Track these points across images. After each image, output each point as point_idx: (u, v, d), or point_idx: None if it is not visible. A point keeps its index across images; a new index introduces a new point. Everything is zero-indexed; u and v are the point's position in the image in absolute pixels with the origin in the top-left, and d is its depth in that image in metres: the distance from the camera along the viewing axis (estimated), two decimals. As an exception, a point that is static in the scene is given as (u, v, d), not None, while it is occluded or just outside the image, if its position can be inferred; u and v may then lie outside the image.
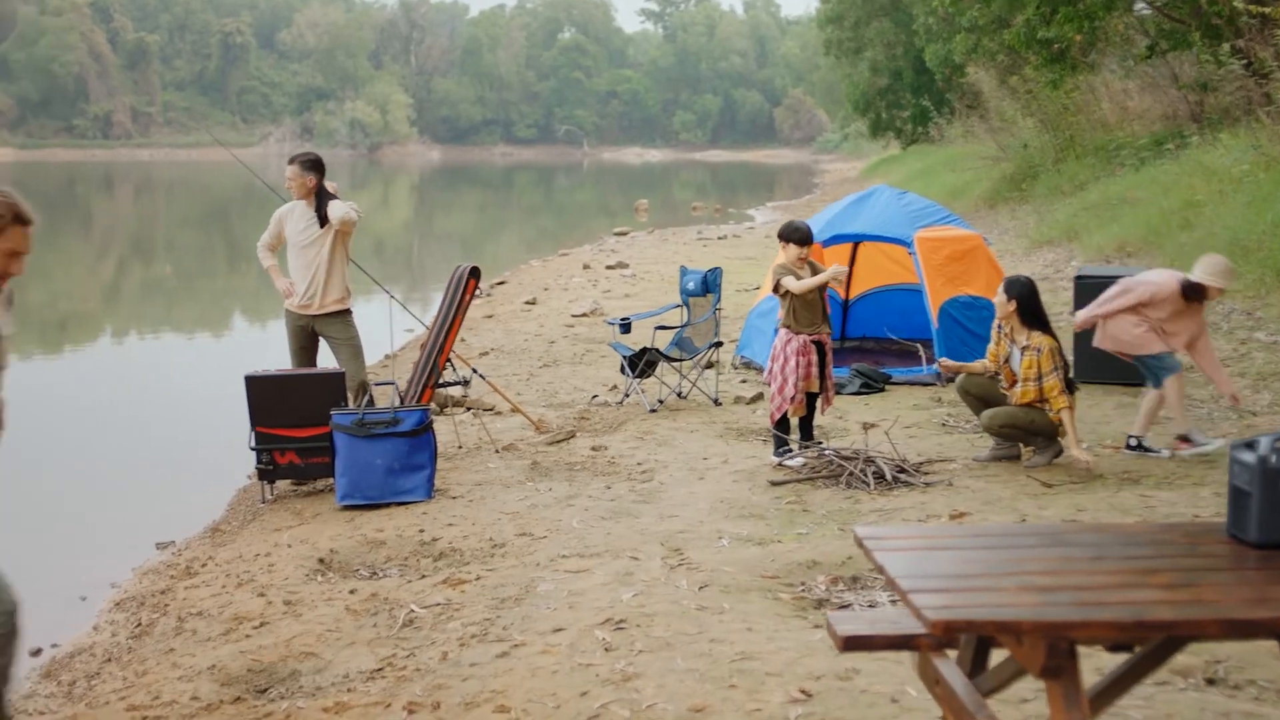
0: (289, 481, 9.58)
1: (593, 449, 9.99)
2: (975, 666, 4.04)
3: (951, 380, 9.75)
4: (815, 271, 9.39)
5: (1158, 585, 3.54)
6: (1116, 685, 3.79)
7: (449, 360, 10.22)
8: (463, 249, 37.04)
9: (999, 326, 9.17)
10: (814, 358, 9.35)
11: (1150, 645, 3.72)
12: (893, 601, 6.26)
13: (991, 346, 9.22)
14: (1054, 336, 8.97)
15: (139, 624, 7.23)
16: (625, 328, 12.17)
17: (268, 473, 9.27)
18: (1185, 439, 9.26)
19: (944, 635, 3.31)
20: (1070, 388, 8.90)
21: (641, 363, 11.48)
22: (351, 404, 9.51)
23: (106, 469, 11.47)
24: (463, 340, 15.86)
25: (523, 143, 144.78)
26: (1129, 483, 8.52)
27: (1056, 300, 15.99)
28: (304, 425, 9.12)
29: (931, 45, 42.57)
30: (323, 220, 9.76)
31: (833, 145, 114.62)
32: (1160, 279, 9.26)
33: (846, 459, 8.89)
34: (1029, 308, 8.98)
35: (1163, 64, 26.57)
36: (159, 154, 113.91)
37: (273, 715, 5.50)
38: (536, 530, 7.90)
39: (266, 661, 6.15)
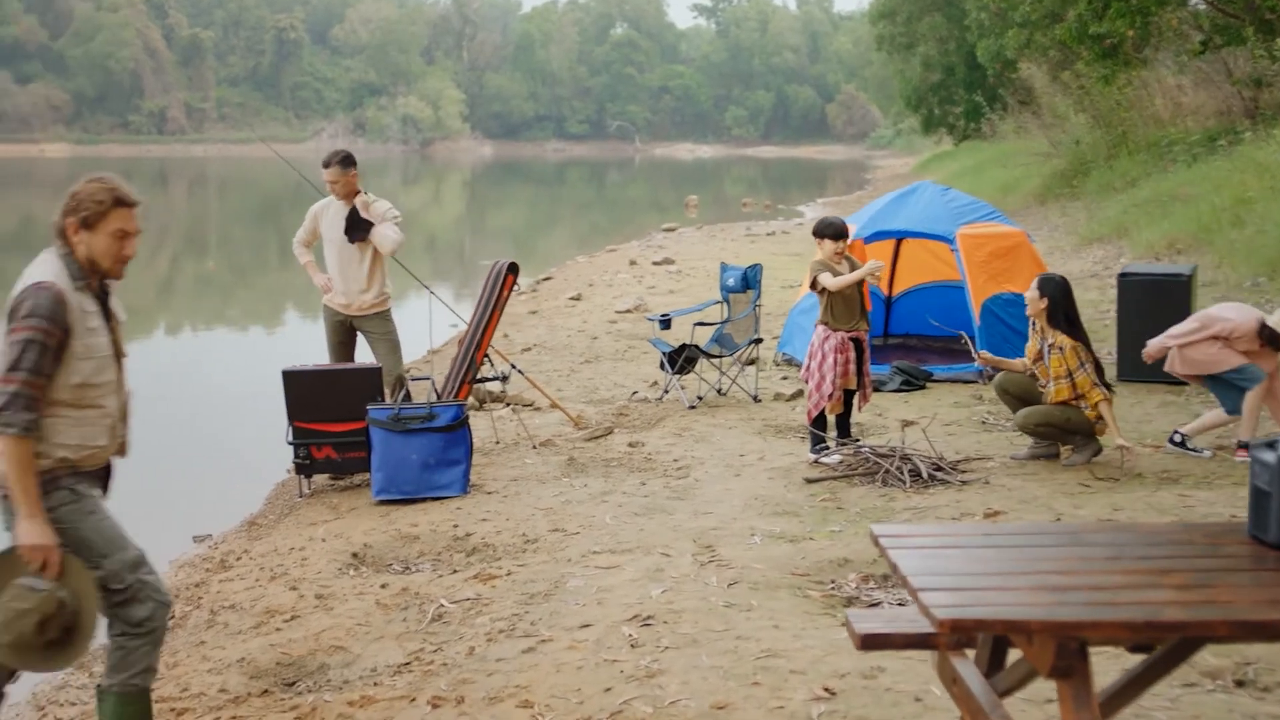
0: (326, 476, 9.63)
1: (630, 445, 9.99)
2: (992, 666, 4.01)
3: (993, 376, 9.68)
4: (854, 268, 9.36)
5: (1172, 586, 3.51)
6: (1132, 686, 3.75)
7: (487, 356, 10.23)
8: (514, 245, 37.16)
9: (1033, 324, 9.12)
10: (852, 355, 9.32)
11: (1167, 646, 3.68)
12: (922, 600, 6.23)
13: (1029, 344, 9.16)
14: (1077, 339, 8.86)
15: (172, 616, 7.25)
16: (665, 324, 12.16)
17: (305, 467, 9.32)
18: (1245, 447, 9.11)
19: (951, 634, 3.29)
20: (1106, 385, 8.83)
21: (681, 359, 11.47)
22: (388, 399, 9.55)
23: (147, 462, 11.50)
24: (505, 336, 15.90)
25: (574, 138, 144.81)
26: (1168, 482, 8.45)
27: (1105, 298, 15.89)
28: (341, 420, 9.16)
29: (984, 40, 42.28)
30: (352, 233, 9.75)
31: (886, 141, 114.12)
32: (1239, 317, 9.02)
33: (883, 456, 8.85)
34: (1060, 308, 8.91)
35: (1216, 59, 26.31)
36: (212, 150, 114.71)
37: (299, 708, 5.53)
38: (569, 526, 7.91)
39: (295, 655, 6.18)
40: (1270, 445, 3.89)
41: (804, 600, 6.41)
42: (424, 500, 8.73)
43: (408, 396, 9.63)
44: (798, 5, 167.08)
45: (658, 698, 5.25)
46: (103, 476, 4.86)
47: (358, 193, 9.81)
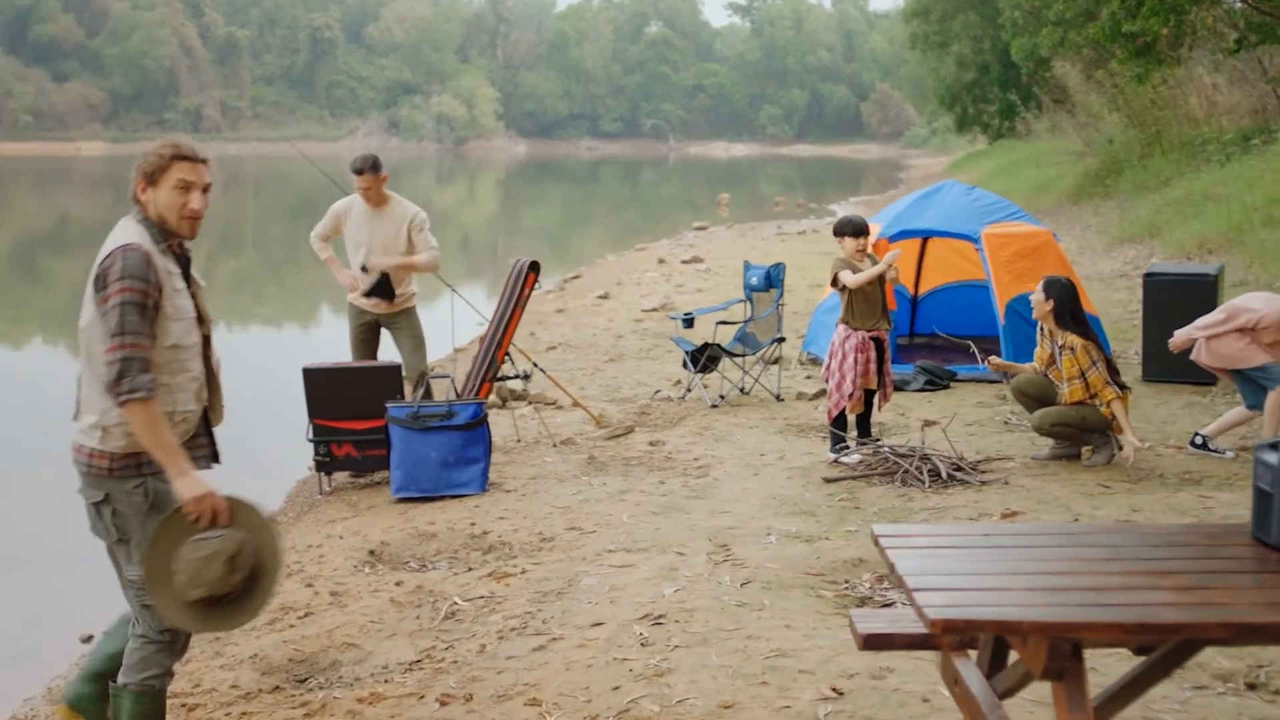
0: (346, 474, 9.65)
1: (650, 444, 9.99)
2: (993, 667, 4.00)
3: (1012, 377, 9.63)
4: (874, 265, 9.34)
5: (1169, 587, 3.49)
6: (1131, 688, 3.73)
7: (508, 354, 10.24)
8: (547, 243, 37.22)
9: (1041, 329, 9.08)
10: (872, 354, 9.30)
11: (1166, 648, 3.66)
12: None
13: (1038, 349, 9.13)
14: (1086, 337, 8.83)
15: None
16: (688, 323, 12.16)
17: (324, 465, 9.36)
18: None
19: (943, 634, 3.28)
20: (1120, 385, 8.80)
21: (703, 358, 11.47)
22: (410, 395, 9.57)
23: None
24: (531, 334, 15.92)
25: (608, 137, 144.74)
26: (1189, 483, 8.40)
27: (1134, 298, 15.79)
28: (361, 418, 9.20)
29: (1018, 39, 42.10)
30: (378, 295, 9.80)
31: (921, 140, 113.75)
32: (1265, 307, 8.94)
33: (902, 456, 8.83)
34: (1067, 309, 8.88)
35: (1251, 58, 26.13)
36: (247, 148, 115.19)
37: (309, 705, 5.55)
38: (586, 525, 7.91)
39: (308, 652, 6.20)
40: (1273, 446, 3.87)
41: (817, 600, 6.39)
42: (442, 498, 8.75)
43: (428, 394, 9.64)
44: (832, 3, 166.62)
45: (665, 696, 5.25)
46: (203, 445, 4.83)
47: (387, 197, 9.80)
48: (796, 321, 14.82)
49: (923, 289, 14.10)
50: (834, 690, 5.21)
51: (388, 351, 10.21)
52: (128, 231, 4.60)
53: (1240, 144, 24.49)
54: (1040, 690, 4.91)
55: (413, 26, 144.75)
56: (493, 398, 11.42)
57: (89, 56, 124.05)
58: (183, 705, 5.65)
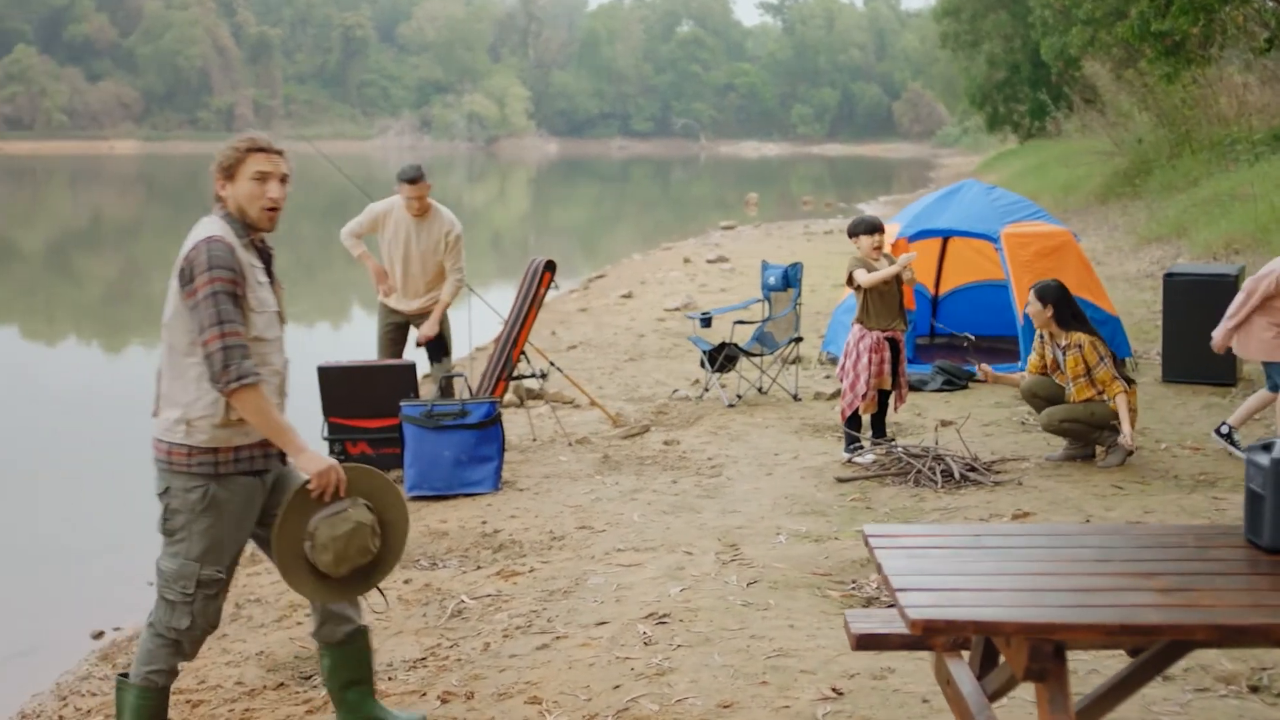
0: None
1: (665, 443, 10.00)
2: (984, 667, 4.00)
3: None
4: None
5: (1155, 589, 3.47)
6: (1119, 689, 3.71)
7: (524, 353, 10.26)
8: (578, 242, 37.28)
9: (1040, 336, 9.06)
10: (887, 355, 9.28)
11: (1154, 649, 3.64)
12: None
13: (1033, 358, 9.13)
14: (1091, 333, 8.83)
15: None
16: (706, 322, 12.16)
17: (340, 463, 9.36)
18: None
19: (923, 635, 3.27)
20: (1126, 379, 8.79)
21: (721, 357, 11.46)
22: (434, 395, 9.62)
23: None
24: (553, 333, 15.95)
25: (639, 136, 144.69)
26: (1204, 484, 8.36)
27: (1158, 298, 15.69)
28: (376, 416, 9.24)
29: (1047, 38, 41.95)
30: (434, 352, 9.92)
31: (952, 140, 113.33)
32: (1277, 266, 8.98)
33: (915, 457, 8.81)
34: (1066, 310, 8.88)
35: (1282, 57, 26.00)
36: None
37: (311, 702, 5.58)
38: (597, 524, 7.92)
39: (314, 649, 6.21)
40: (1266, 447, 3.85)
41: (822, 600, 6.39)
42: (456, 497, 8.78)
43: (447, 393, 9.67)
44: (864, 2, 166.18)
45: (665, 695, 5.26)
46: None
47: (429, 206, 9.78)
48: (819, 321, 14.80)
49: (943, 289, 14.06)
50: (834, 690, 5.21)
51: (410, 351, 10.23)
52: (210, 225, 4.64)
53: (1270, 143, 24.36)
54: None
55: (445, 25, 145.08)
56: (511, 397, 11.45)
57: (122, 56, 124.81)
58: (187, 701, 5.69)
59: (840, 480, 8.69)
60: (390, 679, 5.74)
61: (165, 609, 4.71)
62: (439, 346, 9.94)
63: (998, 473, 8.70)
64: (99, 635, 7.22)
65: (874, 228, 9.36)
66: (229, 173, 4.67)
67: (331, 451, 9.36)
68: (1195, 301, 11.24)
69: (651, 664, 5.59)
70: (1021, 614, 3.27)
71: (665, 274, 22.59)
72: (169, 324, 4.59)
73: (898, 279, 9.26)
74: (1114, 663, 5.24)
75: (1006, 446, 9.49)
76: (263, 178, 4.66)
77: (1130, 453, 8.90)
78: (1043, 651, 3.22)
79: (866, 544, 3.98)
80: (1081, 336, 8.79)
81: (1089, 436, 8.97)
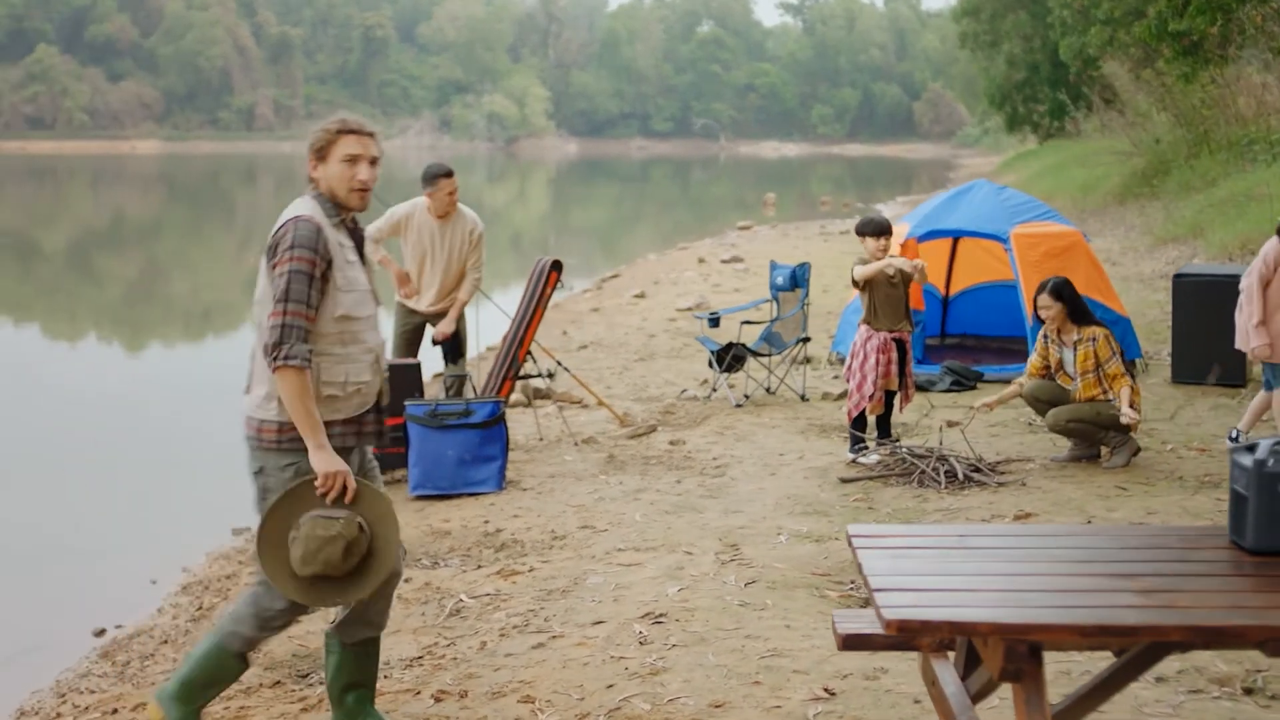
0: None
1: (671, 443, 10.00)
2: (969, 668, 3.99)
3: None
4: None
5: (1134, 590, 3.47)
6: (1099, 691, 3.70)
7: (530, 353, 10.27)
8: (597, 242, 37.32)
9: (1045, 336, 9.04)
10: (894, 355, 9.28)
11: (1134, 650, 3.64)
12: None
13: (1035, 360, 9.09)
14: (1104, 327, 8.86)
15: (200, 607, 7.40)
16: (714, 322, 12.17)
17: (345, 461, 9.39)
18: None
19: (898, 635, 3.27)
20: (1131, 375, 8.81)
21: (728, 357, 11.46)
22: (448, 395, 9.66)
23: (197, 454, 11.72)
24: (564, 333, 15.97)
25: (659, 136, 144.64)
26: (1208, 486, 8.33)
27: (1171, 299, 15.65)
28: (381, 415, 9.23)
29: (1066, 38, 41.86)
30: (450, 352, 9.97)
31: (973, 140, 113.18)
32: (1265, 247, 9.05)
33: (920, 457, 8.80)
34: (1078, 305, 8.88)
35: (1302, 57, 25.89)
36: (300, 146, 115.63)
37: (307, 699, 5.60)
38: (599, 523, 7.93)
39: (312, 647, 6.24)
40: (1250, 448, 3.84)
41: (820, 600, 6.38)
42: (459, 496, 8.80)
43: (447, 393, 9.68)
44: (885, 2, 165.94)
45: (657, 695, 5.26)
46: (370, 421, 4.83)
47: (453, 206, 9.74)
48: (830, 322, 14.79)
49: (954, 289, 14.03)
50: (826, 690, 5.20)
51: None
52: (300, 205, 4.71)
53: (1288, 144, 24.28)
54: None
55: (465, 25, 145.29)
56: (519, 396, 11.47)
57: (144, 56, 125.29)
58: (184, 699, 5.69)
59: (844, 481, 8.69)
60: (386, 677, 5.75)
61: (264, 590, 4.77)
62: (454, 347, 9.93)
63: (1002, 473, 8.69)
64: (101, 633, 7.25)
65: (881, 230, 9.35)
66: (321, 154, 4.73)
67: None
68: (1205, 303, 11.21)
69: (645, 663, 5.59)
70: (997, 614, 3.27)
71: (679, 274, 22.59)
72: (259, 302, 4.65)
73: (904, 280, 9.26)
74: (1109, 664, 5.23)
75: (1012, 447, 9.48)
76: (353, 160, 4.71)
77: (1137, 451, 8.88)
78: (1017, 652, 3.22)
79: (850, 544, 3.98)
80: (1097, 330, 8.81)
81: (1095, 437, 8.95)
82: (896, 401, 9.50)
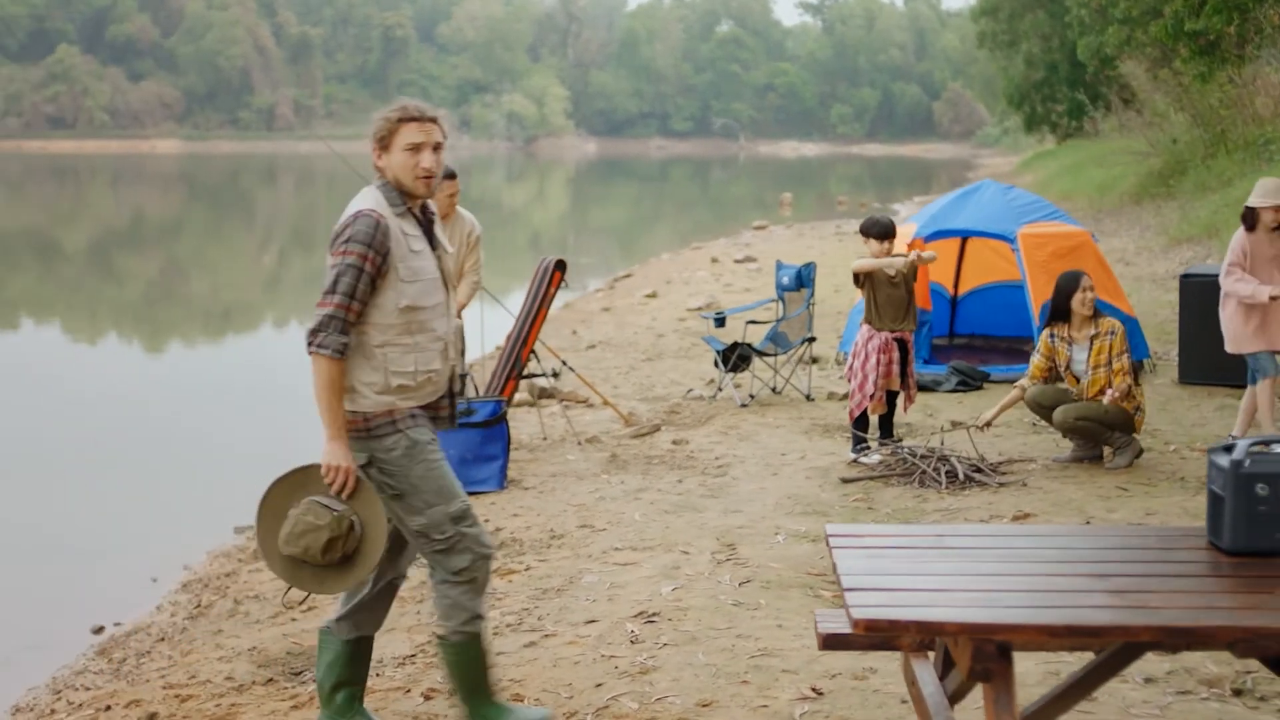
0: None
1: (674, 443, 10.00)
2: (947, 668, 3.99)
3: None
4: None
5: (1106, 590, 3.47)
6: (1073, 691, 3.70)
7: (533, 352, 10.27)
8: (615, 242, 37.34)
9: (1052, 335, 9.00)
10: (895, 355, 9.27)
11: (1110, 650, 3.63)
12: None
13: (1039, 360, 9.04)
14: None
15: (198, 605, 7.43)
16: (719, 322, 12.17)
17: (348, 460, 9.42)
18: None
19: (866, 634, 3.28)
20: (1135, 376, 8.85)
21: (734, 357, 11.47)
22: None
23: (202, 451, 11.77)
24: (574, 333, 15.99)
25: (678, 136, 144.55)
26: (1210, 486, 8.29)
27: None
28: (383, 414, 9.25)
29: (1084, 38, 41.74)
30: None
31: (993, 140, 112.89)
32: (1234, 241, 9.24)
33: (921, 457, 8.79)
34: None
35: (1321, 56, 25.79)
36: (319, 146, 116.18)
37: (298, 697, 5.61)
38: (598, 522, 7.94)
39: (306, 645, 6.26)
40: (1228, 448, 3.84)
41: (814, 600, 6.38)
42: (460, 495, 8.79)
43: (461, 390, 9.69)
44: (905, 2, 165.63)
45: (646, 694, 5.27)
46: (445, 406, 4.89)
47: (454, 206, 9.74)
48: (839, 321, 14.77)
49: (962, 289, 14.01)
50: (814, 690, 5.21)
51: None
52: (366, 197, 4.72)
53: (1305, 143, 24.20)
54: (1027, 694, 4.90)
55: (484, 25, 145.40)
56: (524, 395, 11.48)
57: (164, 55, 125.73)
58: (176, 695, 5.74)
59: (844, 481, 8.68)
60: (378, 675, 5.77)
61: (442, 560, 4.78)
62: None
63: (1003, 474, 8.68)
64: (99, 630, 7.30)
65: (886, 233, 9.34)
66: (384, 143, 4.73)
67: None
68: (1212, 303, 11.09)
69: (636, 662, 5.60)
70: (966, 614, 3.27)
71: (692, 274, 22.60)
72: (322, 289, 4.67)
73: (906, 280, 9.25)
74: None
75: (1015, 448, 9.46)
76: (415, 148, 4.71)
77: (1140, 453, 8.87)
78: (985, 652, 3.22)
79: (827, 543, 3.98)
80: (1116, 323, 8.82)
81: (1101, 436, 8.93)
82: (899, 401, 9.49)
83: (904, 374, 9.37)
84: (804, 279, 11.64)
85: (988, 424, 9.13)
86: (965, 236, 13.05)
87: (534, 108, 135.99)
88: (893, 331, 9.26)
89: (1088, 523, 7.55)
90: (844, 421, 10.44)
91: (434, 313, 4.76)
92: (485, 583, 4.86)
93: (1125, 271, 19.13)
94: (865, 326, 9.34)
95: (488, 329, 10.72)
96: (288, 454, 10.99)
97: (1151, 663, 5.35)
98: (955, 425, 9.91)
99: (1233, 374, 10.97)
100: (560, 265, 10.33)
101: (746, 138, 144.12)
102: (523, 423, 10.69)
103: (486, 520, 8.13)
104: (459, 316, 9.91)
